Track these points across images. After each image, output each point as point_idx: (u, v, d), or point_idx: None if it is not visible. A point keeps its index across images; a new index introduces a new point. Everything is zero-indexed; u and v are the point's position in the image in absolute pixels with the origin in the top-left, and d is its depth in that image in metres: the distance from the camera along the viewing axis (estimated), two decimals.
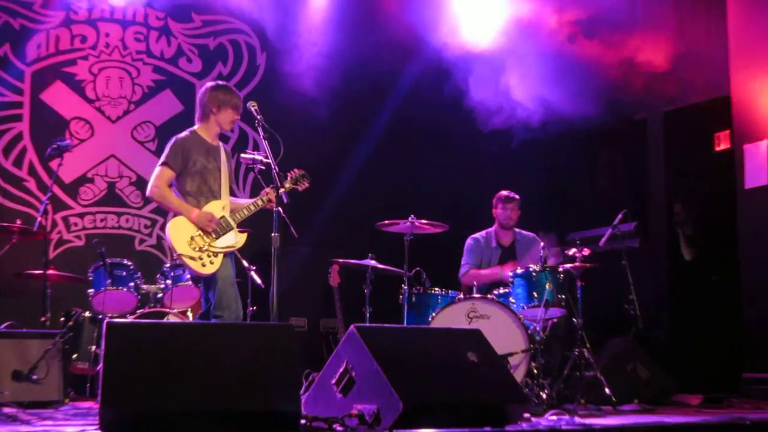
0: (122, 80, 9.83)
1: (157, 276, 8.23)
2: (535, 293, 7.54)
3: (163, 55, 10.03)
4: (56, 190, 9.09)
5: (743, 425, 5.66)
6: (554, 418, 6.08)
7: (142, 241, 9.72)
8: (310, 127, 9.92)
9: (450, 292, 7.84)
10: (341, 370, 5.22)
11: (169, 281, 8.04)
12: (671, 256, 9.86)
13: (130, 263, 8.10)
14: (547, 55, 9.42)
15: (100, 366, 4.77)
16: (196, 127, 6.65)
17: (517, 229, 8.60)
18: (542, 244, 7.89)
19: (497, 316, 7.43)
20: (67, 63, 9.63)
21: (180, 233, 6.32)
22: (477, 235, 8.60)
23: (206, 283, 6.43)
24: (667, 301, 9.76)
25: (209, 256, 6.32)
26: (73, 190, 9.49)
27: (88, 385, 7.58)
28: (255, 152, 6.77)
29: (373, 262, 8.00)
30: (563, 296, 7.56)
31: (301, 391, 5.88)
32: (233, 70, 10.32)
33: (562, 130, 9.33)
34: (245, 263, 7.65)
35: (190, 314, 8.06)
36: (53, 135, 8.38)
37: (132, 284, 8.00)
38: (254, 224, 6.67)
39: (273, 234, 6.02)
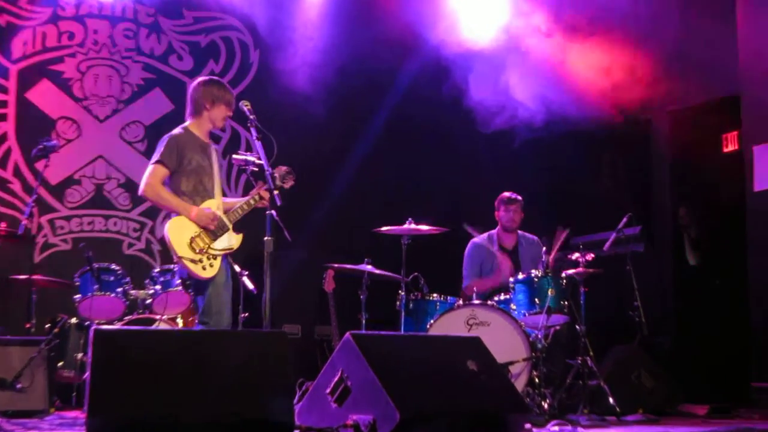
0: (111, 78, 9.82)
1: (146, 281, 8.21)
2: (536, 299, 7.54)
3: (153, 53, 10.03)
4: (42, 192, 9.08)
5: None
6: (556, 428, 6.10)
7: (130, 245, 9.71)
8: (305, 127, 9.91)
9: (449, 298, 7.84)
10: (336, 378, 5.23)
11: (158, 287, 8.02)
12: (677, 261, 9.87)
13: (118, 268, 8.09)
14: (549, 53, 9.42)
15: (87, 374, 4.78)
16: (187, 123, 6.61)
17: (520, 232, 8.61)
18: (544, 248, 7.90)
19: (498, 323, 7.43)
20: (53, 60, 9.62)
21: (180, 234, 6.23)
22: (478, 239, 8.59)
23: (197, 287, 6.37)
24: (672, 307, 9.77)
25: (209, 259, 6.27)
26: (59, 192, 9.48)
27: (74, 394, 7.55)
28: (247, 153, 6.74)
29: (369, 267, 7.99)
30: (566, 302, 7.57)
31: (295, 401, 5.87)
32: (225, 68, 10.31)
33: (565, 130, 9.33)
34: (237, 268, 7.63)
35: (180, 321, 8.06)
36: (39, 135, 8.34)
37: (120, 290, 7.99)
38: (247, 227, 6.64)
39: (266, 237, 6.00)
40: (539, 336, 7.44)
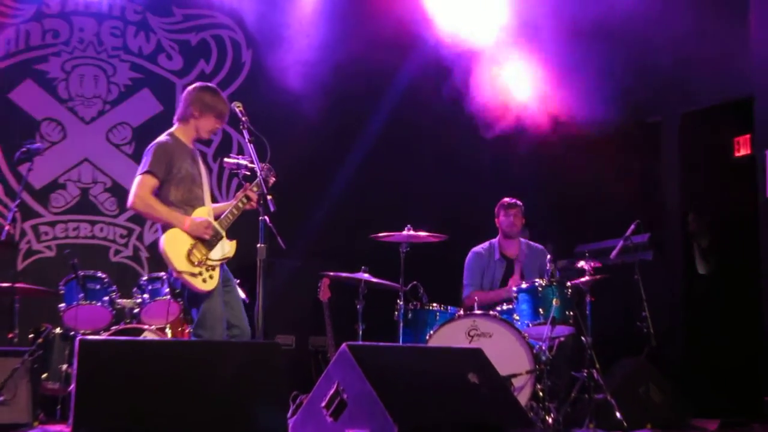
0: (97, 78, 9.83)
1: (134, 290, 8.20)
2: (540, 310, 7.54)
3: (142, 52, 10.04)
4: (25, 196, 9.08)
5: None
6: None
7: (117, 252, 9.72)
8: (299, 130, 9.93)
9: (449, 308, 7.84)
10: (332, 391, 5.23)
11: (146, 295, 8.02)
12: (687, 270, 9.87)
13: (104, 276, 8.08)
14: (553, 53, 9.43)
15: (72, 386, 4.77)
16: (174, 128, 6.56)
17: (523, 240, 8.61)
18: (549, 257, 7.90)
19: (500, 335, 7.43)
20: (37, 60, 9.64)
21: (177, 248, 6.18)
22: (478, 248, 8.60)
23: (192, 298, 6.29)
24: (682, 318, 9.76)
25: (208, 270, 6.23)
26: (43, 196, 9.49)
27: (59, 407, 7.55)
28: (239, 156, 6.71)
29: (366, 276, 7.99)
30: (571, 313, 7.57)
31: (288, 415, 5.88)
32: (217, 67, 10.33)
33: (570, 133, 9.34)
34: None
35: (168, 331, 8.05)
36: (22, 137, 8.38)
37: (106, 298, 7.98)
38: (239, 234, 6.64)
39: (258, 245, 6.00)
40: (543, 348, 7.44)
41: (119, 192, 9.47)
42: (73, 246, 9.09)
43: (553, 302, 7.46)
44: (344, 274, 8.17)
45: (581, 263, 7.79)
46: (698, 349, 9.48)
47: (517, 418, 5.52)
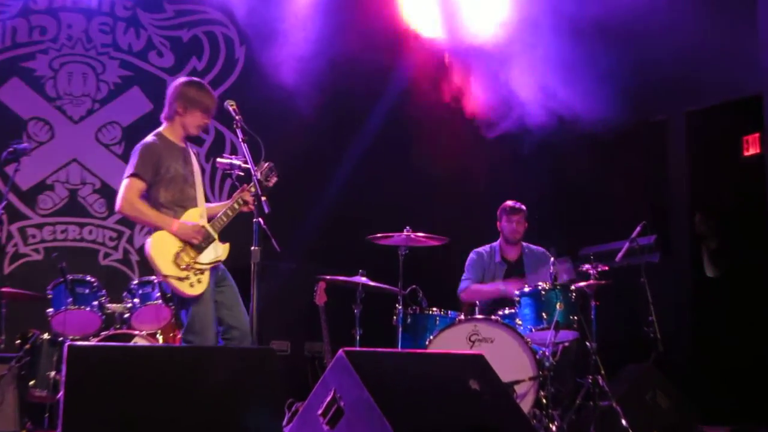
0: (86, 76, 9.83)
1: (124, 294, 8.21)
2: (544, 314, 7.54)
3: (131, 49, 10.04)
4: (12, 198, 9.09)
5: None
6: None
7: (107, 255, 9.71)
8: (295, 129, 9.92)
9: (450, 312, 7.84)
10: (328, 399, 5.22)
11: (136, 300, 8.02)
12: (695, 273, 9.87)
13: (93, 280, 8.08)
14: (557, 50, 9.43)
15: (61, 394, 4.77)
16: (162, 128, 6.54)
17: (525, 243, 8.61)
18: (552, 259, 7.90)
19: (502, 340, 7.43)
20: (25, 57, 9.63)
21: (163, 251, 6.18)
22: (480, 249, 8.61)
23: (181, 302, 6.30)
24: (690, 322, 9.77)
25: (196, 275, 6.21)
26: (30, 198, 9.49)
27: (47, 415, 7.54)
28: (233, 156, 6.71)
29: (363, 279, 8.00)
30: (575, 317, 7.57)
31: (284, 423, 5.87)
32: (209, 65, 10.33)
33: (574, 132, 9.34)
34: None
35: (160, 337, 8.05)
36: (9, 137, 8.37)
37: (96, 303, 7.98)
38: (232, 236, 6.63)
39: (252, 247, 6.01)
40: (547, 353, 7.44)
41: (108, 193, 9.46)
42: (62, 249, 9.10)
43: (557, 306, 7.46)
44: (341, 278, 8.18)
45: (586, 266, 7.80)
46: (707, 355, 9.48)
47: (520, 427, 5.52)
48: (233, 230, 6.54)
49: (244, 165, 6.44)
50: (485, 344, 7.38)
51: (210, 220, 6.44)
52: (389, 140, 10.43)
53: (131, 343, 7.58)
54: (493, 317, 7.65)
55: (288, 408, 7.07)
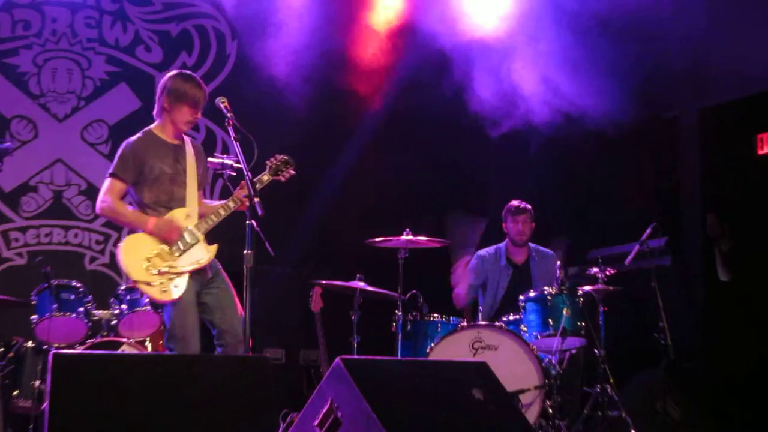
0: (71, 73, 9.83)
1: (111, 300, 8.20)
2: (550, 320, 7.54)
3: (118, 44, 10.04)
4: None
5: None
6: None
7: (93, 260, 9.71)
8: (289, 127, 9.91)
9: (452, 318, 7.84)
10: (325, 409, 5.22)
11: (124, 306, 8.02)
12: (707, 277, 9.87)
13: (79, 285, 8.08)
14: (564, 46, 9.42)
15: (45, 404, 4.76)
16: (152, 125, 6.54)
17: (533, 245, 8.60)
18: (559, 262, 7.89)
19: (506, 347, 7.43)
20: (7, 53, 9.63)
21: (134, 254, 6.17)
22: (484, 251, 8.60)
23: (161, 307, 6.34)
24: (702, 328, 9.77)
25: (171, 279, 6.17)
26: (13, 200, 9.48)
27: (31, 426, 7.53)
28: (224, 156, 6.71)
29: (361, 284, 7.99)
30: (583, 323, 7.57)
31: None
32: (199, 60, 10.32)
33: (582, 130, 9.34)
34: None
35: (148, 344, 8.05)
36: None
37: (81, 309, 7.98)
38: (224, 240, 6.62)
39: (245, 251, 5.99)
40: (553, 361, 7.45)
41: (95, 195, 9.34)
42: (46, 253, 9.09)
43: (564, 312, 7.47)
44: (338, 283, 8.17)
45: (594, 270, 7.80)
46: (720, 362, 9.47)
47: None
48: (225, 234, 6.52)
49: (236, 165, 6.44)
50: (489, 352, 7.38)
51: (201, 218, 6.41)
52: (387, 139, 10.43)
53: (119, 351, 7.56)
54: (497, 323, 7.65)
55: (283, 419, 7.06)
